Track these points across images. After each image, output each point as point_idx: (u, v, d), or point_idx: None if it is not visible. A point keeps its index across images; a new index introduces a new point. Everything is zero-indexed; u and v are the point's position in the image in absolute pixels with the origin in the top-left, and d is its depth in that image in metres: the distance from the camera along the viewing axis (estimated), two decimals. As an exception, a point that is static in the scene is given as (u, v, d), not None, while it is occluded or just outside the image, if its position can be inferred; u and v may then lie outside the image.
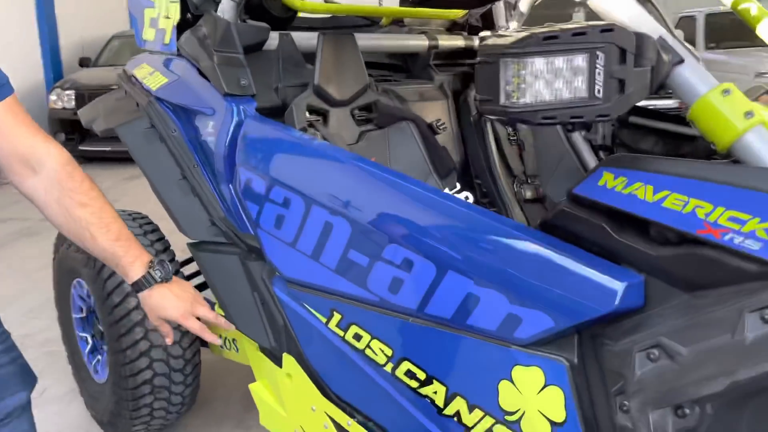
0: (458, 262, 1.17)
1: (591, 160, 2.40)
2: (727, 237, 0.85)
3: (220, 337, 2.09)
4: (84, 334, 2.41)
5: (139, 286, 1.17)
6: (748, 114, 0.91)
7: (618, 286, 0.99)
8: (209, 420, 2.41)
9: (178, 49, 2.00)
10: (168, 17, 2.06)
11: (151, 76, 2.08)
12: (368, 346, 1.39)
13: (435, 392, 1.26)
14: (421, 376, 1.29)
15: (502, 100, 0.88)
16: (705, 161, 1.00)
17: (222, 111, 1.76)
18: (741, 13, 1.34)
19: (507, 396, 1.14)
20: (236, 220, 1.74)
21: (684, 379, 0.85)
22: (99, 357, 2.35)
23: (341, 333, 1.45)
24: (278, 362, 1.66)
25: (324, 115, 1.96)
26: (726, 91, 0.93)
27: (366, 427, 1.44)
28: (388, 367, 1.35)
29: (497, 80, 0.87)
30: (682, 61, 0.95)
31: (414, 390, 1.31)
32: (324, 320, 1.48)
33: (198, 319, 1.25)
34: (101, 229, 1.06)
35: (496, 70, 0.86)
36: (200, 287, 1.99)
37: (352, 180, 1.39)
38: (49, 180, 1.01)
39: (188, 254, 1.96)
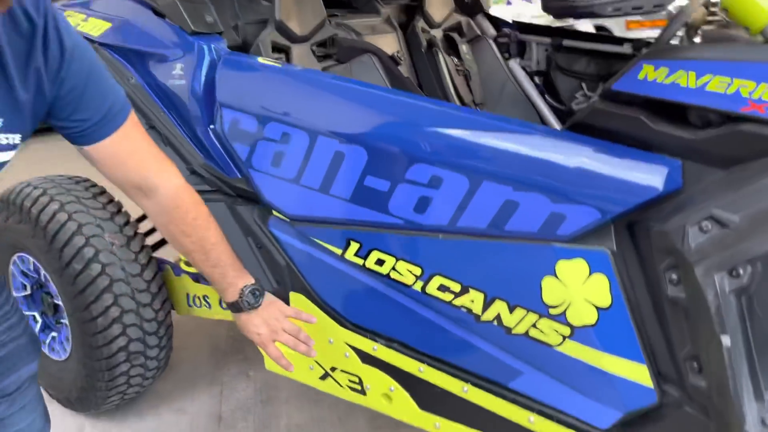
0: (494, 172, 1.22)
1: (528, 86, 2.51)
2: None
3: (188, 295, 2.03)
4: (31, 313, 2.23)
5: (231, 308, 1.31)
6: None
7: (661, 171, 1.08)
8: (182, 383, 2.35)
9: None
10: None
11: (85, 22, 1.90)
12: (393, 269, 1.42)
13: (472, 301, 1.32)
14: (456, 288, 1.34)
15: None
16: (747, 44, 1.10)
17: (191, 52, 1.66)
18: None
19: (551, 291, 1.22)
20: (220, 165, 1.67)
21: (739, 243, 0.96)
22: (54, 334, 2.19)
23: (360, 261, 1.46)
24: (285, 303, 1.64)
25: (286, 52, 1.91)
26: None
27: (393, 349, 1.48)
28: (418, 286, 1.39)
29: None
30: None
31: (448, 303, 1.36)
32: (339, 252, 1.49)
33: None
34: (201, 256, 1.18)
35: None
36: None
37: (366, 106, 1.38)
38: (159, 206, 1.10)
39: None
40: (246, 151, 1.58)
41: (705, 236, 1.01)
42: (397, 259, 1.41)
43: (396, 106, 1.35)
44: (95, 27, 1.86)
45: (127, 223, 2.01)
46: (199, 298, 2.01)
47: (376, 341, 1.51)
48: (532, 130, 1.22)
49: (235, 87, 1.58)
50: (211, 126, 1.65)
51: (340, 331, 1.56)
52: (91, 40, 1.85)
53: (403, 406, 1.52)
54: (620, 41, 2.38)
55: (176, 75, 1.69)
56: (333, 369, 1.62)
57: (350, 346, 1.56)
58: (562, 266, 1.19)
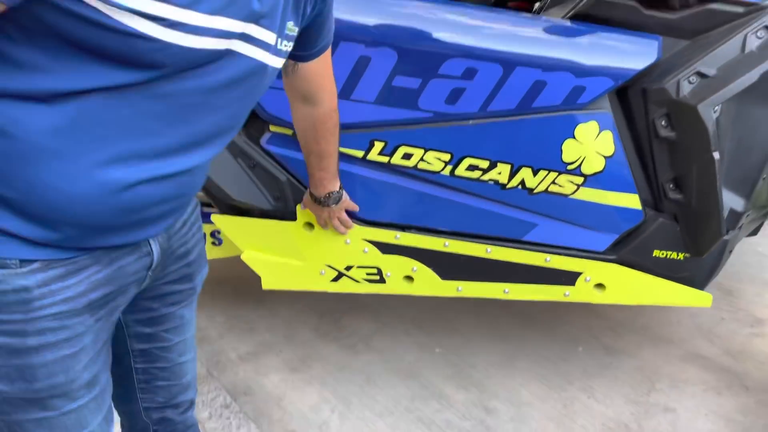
0: (526, 58, 1.47)
1: None
2: (729, -7, 1.40)
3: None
4: None
5: (313, 197, 1.55)
6: None
7: (651, 45, 1.46)
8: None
9: None
10: None
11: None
12: (422, 159, 1.59)
13: (499, 173, 1.58)
14: (484, 165, 1.58)
15: None
16: None
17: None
18: None
19: (570, 150, 1.55)
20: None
21: (713, 87, 1.40)
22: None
23: (385, 159, 1.59)
24: (291, 217, 1.68)
25: None
26: None
27: (417, 233, 1.67)
28: (447, 170, 1.59)
29: None
30: None
31: (476, 180, 1.59)
32: (360, 154, 1.59)
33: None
34: (316, 159, 1.38)
35: None
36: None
37: (397, 11, 1.48)
38: (313, 116, 1.23)
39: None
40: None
41: (692, 86, 1.43)
42: (426, 150, 1.58)
43: (428, 9, 1.49)
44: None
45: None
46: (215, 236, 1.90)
47: (403, 230, 1.68)
48: (554, 23, 1.50)
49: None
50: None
51: (357, 230, 1.68)
52: None
53: (425, 281, 1.73)
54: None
55: None
56: (348, 268, 1.73)
57: (369, 241, 1.70)
58: (580, 128, 1.52)
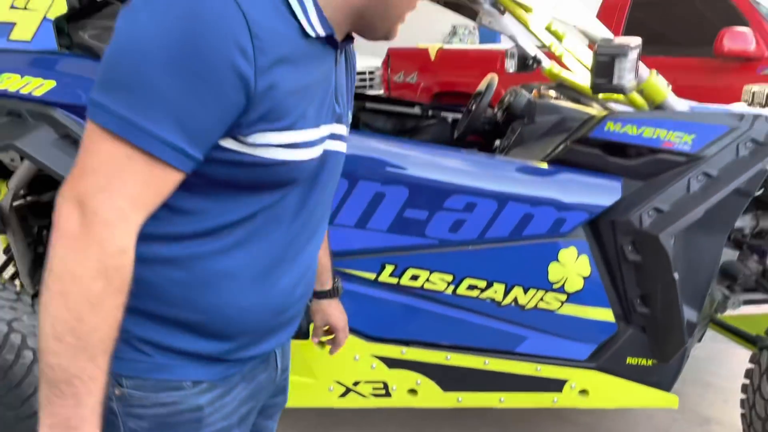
0: (517, 196, 1.75)
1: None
2: (674, 146, 1.74)
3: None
4: None
5: (324, 295, 1.38)
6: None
7: (616, 185, 1.78)
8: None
9: (68, 46, 1.73)
10: (27, 8, 1.72)
11: (12, 81, 1.71)
12: (427, 280, 1.79)
13: (495, 291, 1.81)
14: (482, 284, 1.80)
15: (615, 81, 1.54)
16: (657, 110, 1.85)
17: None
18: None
19: (554, 272, 1.80)
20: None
21: (669, 220, 1.72)
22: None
23: (395, 280, 1.79)
24: (303, 336, 1.81)
25: None
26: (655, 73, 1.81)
27: (421, 348, 1.84)
28: (449, 290, 1.80)
29: (612, 69, 1.53)
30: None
31: (475, 298, 1.81)
32: (372, 276, 1.78)
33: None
34: (324, 268, 1.30)
35: (612, 62, 1.53)
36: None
37: (410, 155, 1.74)
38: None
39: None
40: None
41: (652, 219, 1.74)
42: (431, 272, 1.79)
43: (432, 156, 1.76)
44: (35, 86, 1.70)
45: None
46: None
47: (408, 345, 1.84)
48: (536, 167, 1.80)
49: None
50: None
51: (366, 347, 1.83)
52: (32, 100, 1.68)
53: (428, 393, 1.88)
54: (411, 104, 3.12)
55: None
56: (356, 383, 1.86)
57: (377, 357, 1.85)
58: (562, 253, 1.79)
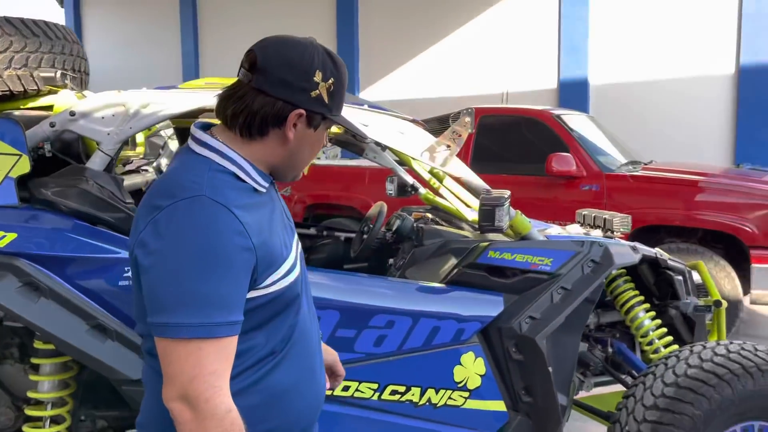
0: (426, 313, 2.16)
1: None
2: (539, 267, 2.26)
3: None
4: None
5: None
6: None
7: (499, 300, 2.26)
8: None
9: (26, 200, 1.93)
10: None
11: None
12: (356, 390, 2.11)
13: (413, 394, 2.16)
14: (402, 389, 2.15)
15: (496, 223, 2.05)
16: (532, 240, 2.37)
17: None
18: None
19: (459, 373, 2.20)
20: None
21: (541, 325, 2.21)
22: None
23: (329, 392, 2.08)
24: None
25: None
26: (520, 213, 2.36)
27: (353, 449, 2.13)
28: (375, 396, 2.13)
29: (494, 215, 2.03)
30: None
31: (396, 401, 2.15)
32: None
33: None
34: None
35: (494, 211, 2.03)
36: None
37: (340, 284, 2.09)
38: None
39: None
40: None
41: (528, 325, 2.23)
42: (360, 382, 2.11)
43: (358, 284, 2.13)
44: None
45: None
46: None
47: (339, 449, 2.11)
48: (439, 288, 2.23)
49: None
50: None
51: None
52: None
53: (359, 491, 2.14)
54: (307, 226, 3.52)
55: (130, 277, 1.92)
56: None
57: (314, 462, 2.09)
58: (464, 357, 2.20)
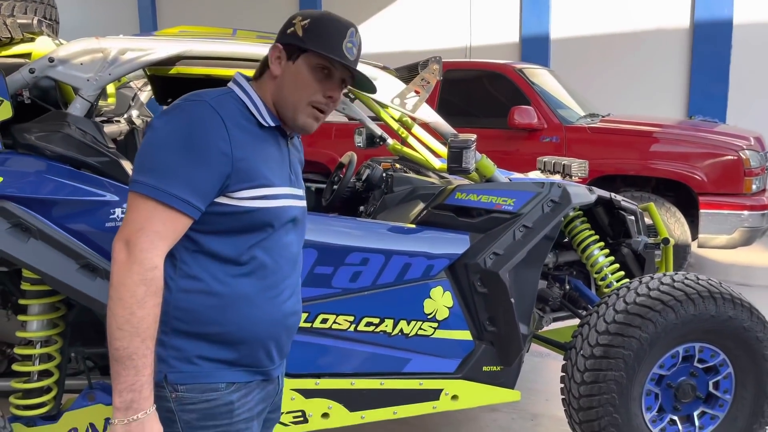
0: (398, 250, 2.30)
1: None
2: (502, 207, 2.42)
3: None
4: None
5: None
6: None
7: (465, 239, 2.42)
8: None
9: (10, 146, 1.98)
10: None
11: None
12: (334, 322, 2.26)
13: (386, 325, 2.32)
14: (376, 320, 2.31)
15: (464, 165, 2.18)
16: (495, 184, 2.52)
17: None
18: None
19: (428, 306, 2.37)
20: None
21: (504, 260, 2.38)
22: None
23: (308, 325, 2.23)
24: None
25: None
26: (485, 156, 2.50)
27: (331, 377, 2.29)
28: (351, 328, 2.28)
29: (462, 157, 2.16)
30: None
31: (371, 332, 2.31)
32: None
33: None
34: None
35: (461, 153, 2.16)
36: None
37: (314, 225, 2.21)
38: None
39: None
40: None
41: (492, 260, 2.40)
42: (336, 315, 2.26)
43: (335, 225, 2.25)
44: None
45: None
46: None
47: (320, 377, 2.27)
48: (409, 228, 2.38)
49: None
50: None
51: (287, 382, 2.23)
52: None
53: (338, 415, 2.31)
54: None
55: (117, 218, 2.01)
56: (279, 414, 2.24)
57: (295, 390, 2.25)
58: (433, 291, 2.37)
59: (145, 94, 3.40)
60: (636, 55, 8.82)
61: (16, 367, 2.18)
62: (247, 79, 1.41)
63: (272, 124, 1.36)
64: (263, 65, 1.40)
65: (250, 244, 1.32)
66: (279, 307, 1.38)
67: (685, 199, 5.16)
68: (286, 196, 1.37)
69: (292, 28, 1.36)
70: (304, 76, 1.35)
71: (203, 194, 1.25)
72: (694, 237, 5.16)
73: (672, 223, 5.05)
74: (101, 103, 2.90)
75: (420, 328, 2.37)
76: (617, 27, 8.95)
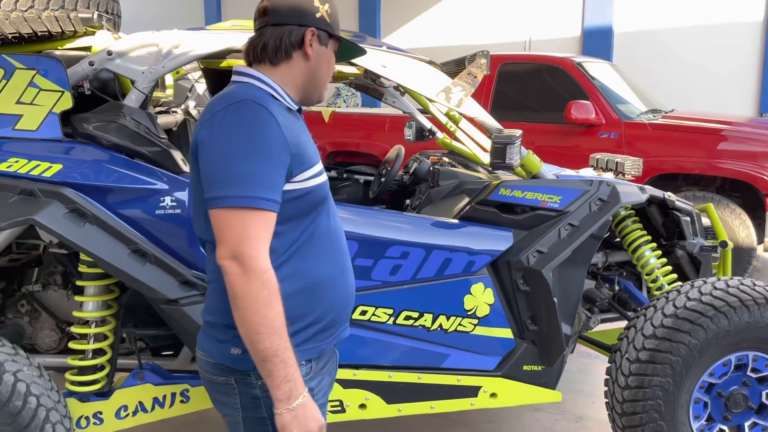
0: (439, 245, 2.30)
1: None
2: (548, 204, 2.38)
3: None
4: None
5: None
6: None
7: (509, 235, 2.39)
8: None
9: (69, 135, 2.08)
10: (33, 103, 2.06)
11: (21, 165, 2.02)
12: (373, 314, 2.28)
13: (425, 320, 2.32)
14: (415, 315, 2.31)
15: (507, 161, 2.16)
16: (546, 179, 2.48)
17: (182, 187, 2.10)
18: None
19: (468, 302, 2.35)
20: (211, 272, 2.15)
21: (548, 258, 2.34)
22: None
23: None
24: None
25: None
26: (532, 152, 2.46)
27: (370, 369, 2.31)
28: (390, 321, 2.29)
29: (505, 153, 2.14)
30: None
31: (410, 326, 2.31)
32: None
33: None
34: None
35: (504, 148, 2.14)
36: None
37: (359, 218, 2.24)
38: None
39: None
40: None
41: (536, 259, 2.36)
42: (376, 307, 2.28)
43: (374, 218, 2.27)
44: (44, 169, 2.03)
45: None
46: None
47: (358, 368, 2.30)
48: (451, 222, 2.37)
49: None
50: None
51: (326, 372, 2.26)
52: (42, 180, 2.01)
53: (375, 407, 2.33)
54: (328, 168, 3.65)
55: (166, 206, 2.09)
56: (318, 403, 2.28)
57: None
58: (474, 287, 2.35)
59: (202, 86, 3.50)
60: (704, 50, 8.45)
61: (72, 345, 2.30)
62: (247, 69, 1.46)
63: (296, 108, 1.46)
64: (282, 51, 1.42)
65: (311, 222, 1.42)
66: (348, 282, 1.52)
67: (752, 200, 4.92)
68: (322, 171, 1.48)
69: (319, 13, 1.43)
70: (332, 59, 1.49)
71: (277, 187, 1.32)
72: (761, 240, 4.92)
73: (737, 225, 4.83)
74: (160, 93, 3.01)
75: (460, 324, 2.36)
76: (684, 20, 8.59)
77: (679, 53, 8.63)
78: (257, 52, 1.43)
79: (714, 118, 5.42)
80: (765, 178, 4.80)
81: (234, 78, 1.44)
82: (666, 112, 5.67)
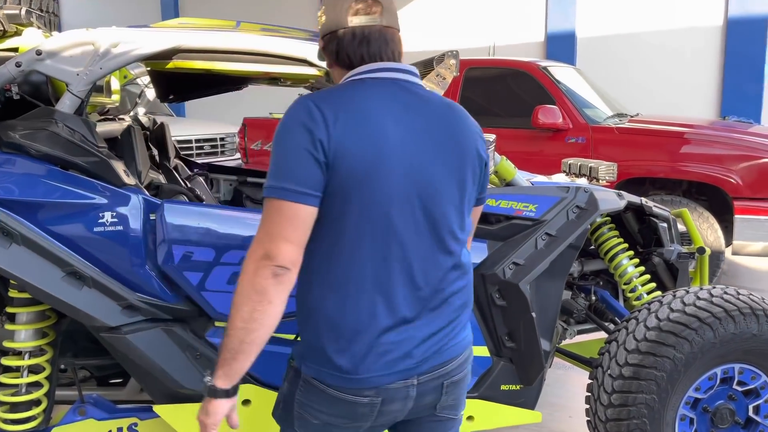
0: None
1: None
2: (523, 213, 2.24)
3: None
4: None
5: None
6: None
7: (483, 247, 2.24)
8: None
9: None
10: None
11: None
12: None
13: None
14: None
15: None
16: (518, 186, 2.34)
17: (123, 201, 1.89)
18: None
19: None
20: (158, 295, 1.94)
21: (525, 271, 2.19)
22: None
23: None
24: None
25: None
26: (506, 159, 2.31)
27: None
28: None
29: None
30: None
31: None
32: (291, 336, 2.05)
33: None
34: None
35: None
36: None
37: None
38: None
39: None
40: (198, 277, 1.94)
41: (512, 271, 2.21)
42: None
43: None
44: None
45: None
46: None
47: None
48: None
49: (188, 228, 1.93)
50: (152, 263, 1.90)
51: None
52: None
53: None
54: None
55: (106, 223, 1.87)
56: None
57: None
58: (447, 304, 2.19)
59: (152, 92, 3.28)
60: (666, 54, 8.53)
61: (3, 378, 2.06)
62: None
63: None
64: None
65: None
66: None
67: (718, 203, 4.90)
68: None
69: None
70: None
71: (316, 183, 1.33)
72: (728, 243, 4.90)
73: (704, 229, 4.80)
74: (105, 99, 2.78)
75: (433, 343, 2.19)
76: (647, 24, 8.67)
77: (640, 57, 8.70)
78: None
79: (680, 122, 5.41)
80: (732, 181, 4.78)
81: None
82: (632, 116, 5.64)
